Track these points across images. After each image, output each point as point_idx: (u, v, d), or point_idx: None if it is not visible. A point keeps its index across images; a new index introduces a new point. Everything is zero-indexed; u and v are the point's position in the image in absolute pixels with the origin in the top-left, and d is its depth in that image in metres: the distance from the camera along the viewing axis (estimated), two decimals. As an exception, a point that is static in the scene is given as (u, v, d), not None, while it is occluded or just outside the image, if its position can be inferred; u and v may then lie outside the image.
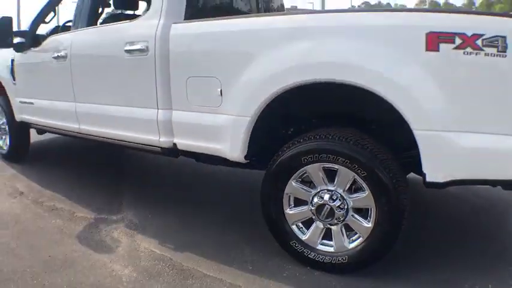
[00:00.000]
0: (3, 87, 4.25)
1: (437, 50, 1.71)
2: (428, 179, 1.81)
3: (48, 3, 3.84)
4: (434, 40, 1.71)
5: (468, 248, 2.41)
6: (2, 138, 4.57)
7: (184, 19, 2.51)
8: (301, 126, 2.22)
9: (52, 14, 3.97)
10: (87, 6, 3.16)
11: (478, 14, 1.93)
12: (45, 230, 2.76)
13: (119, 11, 3.48)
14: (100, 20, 3.42)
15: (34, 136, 4.51)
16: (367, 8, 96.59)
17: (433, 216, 2.94)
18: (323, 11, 2.15)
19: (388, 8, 1.93)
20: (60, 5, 4.21)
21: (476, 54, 1.68)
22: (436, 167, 1.80)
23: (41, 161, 4.47)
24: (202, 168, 3.29)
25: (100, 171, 4.25)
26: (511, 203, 3.10)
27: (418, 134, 1.77)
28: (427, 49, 1.73)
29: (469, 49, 1.69)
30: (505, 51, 1.66)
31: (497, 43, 1.67)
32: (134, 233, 2.66)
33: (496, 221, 2.88)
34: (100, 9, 3.44)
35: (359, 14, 2.06)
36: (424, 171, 1.81)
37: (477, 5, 70.25)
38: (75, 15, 3.27)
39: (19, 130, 4.26)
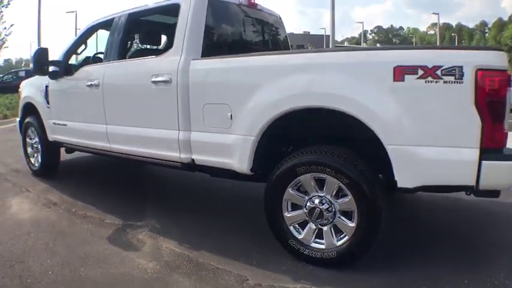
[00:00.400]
0: (37, 110, 4.81)
1: (403, 81, 2.18)
2: (399, 185, 2.25)
3: (80, 37, 4.44)
4: (401, 72, 2.18)
5: (449, 249, 2.81)
6: (34, 156, 5.12)
7: (202, 56, 3.04)
8: (298, 145, 2.67)
9: (83, 46, 4.57)
10: (117, 42, 3.72)
11: (438, 49, 2.40)
12: (78, 233, 3.23)
13: (144, 46, 4.05)
14: (129, 53, 3.98)
15: (62, 155, 5.05)
16: (380, 31, 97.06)
17: (420, 222, 3.36)
18: (311, 50, 2.61)
19: (363, 47, 2.40)
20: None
21: (436, 82, 2.12)
22: (405, 175, 2.24)
23: (70, 176, 4.99)
24: (214, 182, 3.77)
25: (123, 185, 4.76)
26: (491, 212, 3.50)
27: (388, 148, 2.23)
28: (394, 80, 2.20)
29: (430, 78, 2.13)
30: (461, 79, 2.10)
31: (454, 72, 2.10)
32: (157, 235, 3.12)
33: (478, 227, 3.26)
34: (129, 45, 4.01)
35: (341, 53, 2.56)
36: (396, 179, 2.25)
37: (490, 25, 70.98)
38: (107, 49, 3.84)
39: (50, 149, 4.79)
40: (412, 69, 2.16)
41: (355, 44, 74.23)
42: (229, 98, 2.75)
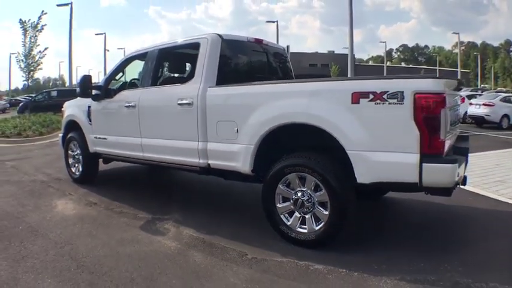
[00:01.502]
0: (80, 127, 5.83)
1: (358, 103, 2.99)
2: (358, 181, 3.03)
3: (118, 66, 5.48)
4: (357, 97, 2.99)
5: (417, 242, 3.57)
6: (75, 166, 6.12)
7: (216, 83, 3.97)
8: (288, 152, 3.46)
9: (121, 73, 5.61)
10: (151, 71, 4.72)
11: (386, 79, 3.15)
12: (116, 225, 4.12)
13: (172, 75, 5.05)
14: (160, 80, 4.98)
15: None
16: (406, 50, 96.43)
17: (397, 221, 4.13)
18: (293, 80, 3.45)
19: (329, 78, 3.26)
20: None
21: (383, 104, 2.90)
22: (361, 173, 3.02)
23: (106, 183, 5.95)
24: (225, 185, 4.65)
25: (151, 188, 5.72)
26: (462, 216, 4.24)
27: (349, 153, 3.04)
28: (352, 102, 3.02)
29: (378, 101, 2.91)
30: (402, 101, 2.85)
31: (397, 96, 2.85)
32: (179, 225, 3.99)
33: (445, 227, 3.97)
34: (160, 73, 5.01)
35: (315, 83, 3.37)
36: (355, 176, 3.05)
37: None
38: (142, 77, 4.84)
39: (91, 159, 5.78)
40: (365, 94, 2.96)
41: (380, 62, 74.43)
42: (235, 116, 3.65)
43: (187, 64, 5.06)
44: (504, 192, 5.01)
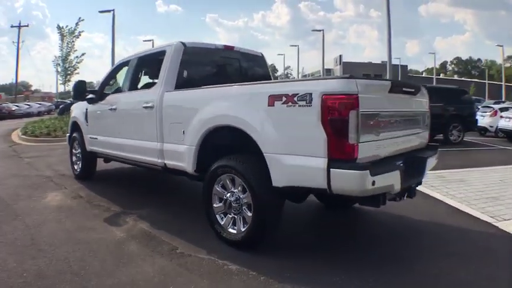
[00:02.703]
0: (80, 128, 6.42)
1: (274, 106, 3.07)
2: (273, 184, 3.11)
3: (110, 72, 6.01)
4: (272, 99, 3.07)
5: (345, 251, 3.67)
6: (77, 163, 6.73)
7: (176, 88, 4.30)
8: (226, 153, 3.62)
9: (114, 79, 6.13)
10: (130, 77, 5.19)
11: (297, 81, 3.24)
12: (86, 215, 4.57)
13: (149, 80, 5.47)
14: (138, 85, 5.41)
15: (101, 165, 6.58)
16: (459, 62, 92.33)
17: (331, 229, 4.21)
18: (226, 84, 3.69)
19: (248, 83, 3.10)
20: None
21: (293, 106, 2.90)
22: (276, 177, 3.11)
23: (102, 180, 6.50)
24: (187, 185, 4.93)
25: (138, 187, 6.16)
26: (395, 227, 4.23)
27: (265, 155, 3.16)
28: (268, 105, 3.07)
29: (290, 103, 2.91)
30: (311, 103, 2.81)
31: (306, 98, 2.82)
32: (138, 219, 4.34)
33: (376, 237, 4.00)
34: (137, 79, 5.43)
35: (239, 86, 3.58)
36: (272, 179, 3.16)
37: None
38: (123, 82, 5.31)
39: (88, 158, 6.33)
40: (279, 97, 3.00)
41: (437, 74, 71.83)
42: (182, 118, 3.96)
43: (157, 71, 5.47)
44: (490, 210, 4.80)
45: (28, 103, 39.86)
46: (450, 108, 12.04)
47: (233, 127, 3.40)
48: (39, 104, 41.13)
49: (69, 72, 25.46)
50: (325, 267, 3.16)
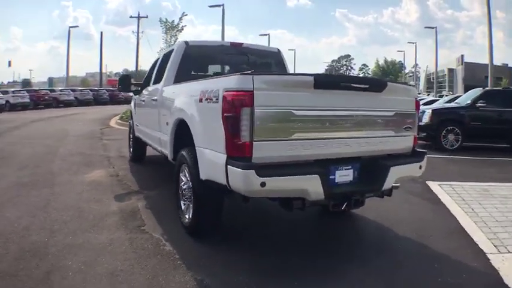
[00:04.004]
0: (132, 115, 7.41)
1: (201, 102, 3.29)
2: (200, 177, 3.28)
3: (151, 67, 6.80)
4: (201, 95, 3.28)
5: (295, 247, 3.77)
6: (131, 147, 7.74)
7: (174, 83, 4.81)
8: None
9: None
10: (157, 72, 5.87)
11: (219, 78, 3.36)
12: (105, 190, 5.38)
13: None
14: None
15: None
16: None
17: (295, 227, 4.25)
18: (190, 81, 4.02)
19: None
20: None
21: (209, 102, 3.11)
22: (201, 170, 3.31)
23: (147, 164, 7.37)
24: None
25: (167, 173, 6.82)
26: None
27: (196, 148, 3.41)
28: (199, 101, 3.31)
29: (208, 99, 3.11)
30: (217, 99, 2.95)
31: (216, 94, 2.98)
32: (142, 200, 4.98)
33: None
34: (162, 74, 6.08)
35: (187, 84, 3.93)
36: (199, 172, 3.34)
37: None
38: (152, 77, 6.01)
39: (136, 142, 7.27)
40: (203, 93, 3.22)
41: None
42: (166, 111, 4.47)
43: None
44: (503, 236, 3.95)
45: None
46: None
47: (183, 120, 3.76)
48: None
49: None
50: (256, 269, 3.14)
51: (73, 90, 31.83)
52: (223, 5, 27.61)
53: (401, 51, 75.65)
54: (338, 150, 3.16)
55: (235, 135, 2.78)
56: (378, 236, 4.08)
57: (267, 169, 2.75)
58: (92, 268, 3.03)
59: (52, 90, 33.42)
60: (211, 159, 3.08)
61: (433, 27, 33.89)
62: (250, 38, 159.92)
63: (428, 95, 23.71)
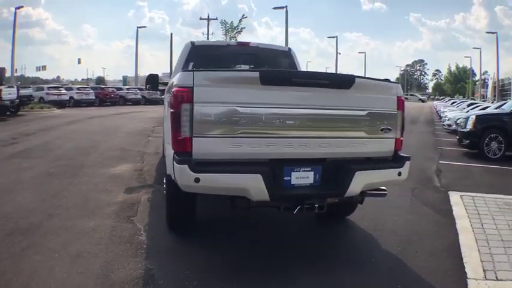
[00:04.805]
0: (165, 113, 7.84)
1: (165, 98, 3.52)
2: (167, 172, 3.32)
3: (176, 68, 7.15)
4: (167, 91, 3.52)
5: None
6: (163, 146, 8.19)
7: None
8: None
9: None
10: (174, 72, 6.19)
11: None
12: (122, 183, 5.79)
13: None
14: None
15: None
16: None
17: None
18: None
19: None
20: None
21: (169, 95, 3.27)
22: (167, 165, 3.41)
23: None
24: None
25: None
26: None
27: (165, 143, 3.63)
28: (170, 96, 3.25)
29: (169, 93, 3.30)
30: (170, 96, 3.10)
31: (170, 91, 3.13)
32: (149, 193, 5.32)
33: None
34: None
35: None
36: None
37: None
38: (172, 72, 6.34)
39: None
40: (168, 89, 3.42)
41: None
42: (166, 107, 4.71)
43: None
44: (500, 259, 3.53)
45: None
46: None
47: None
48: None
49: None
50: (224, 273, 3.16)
51: (140, 89, 33.74)
52: (286, 6, 27.92)
53: (468, 57, 71.08)
54: (293, 151, 3.04)
55: (177, 131, 2.84)
56: (357, 247, 3.91)
57: (203, 165, 2.80)
58: (64, 248, 3.39)
59: (119, 89, 35.56)
60: (169, 153, 3.16)
61: (493, 33, 31.08)
62: (327, 41, 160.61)
63: (493, 102, 21.96)
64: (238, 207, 3.09)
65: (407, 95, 79.65)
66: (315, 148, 3.12)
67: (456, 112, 15.34)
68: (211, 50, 5.38)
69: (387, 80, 3.96)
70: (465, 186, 6.17)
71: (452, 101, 33.71)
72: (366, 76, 3.39)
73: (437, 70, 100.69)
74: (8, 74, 27.28)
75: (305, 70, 3.89)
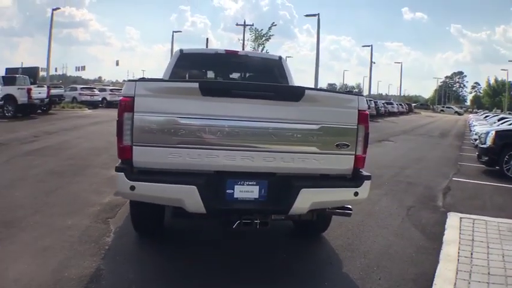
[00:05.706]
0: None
1: None
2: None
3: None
4: None
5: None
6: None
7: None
8: None
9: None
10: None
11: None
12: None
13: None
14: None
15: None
16: None
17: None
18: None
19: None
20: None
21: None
22: None
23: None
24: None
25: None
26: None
27: None
28: None
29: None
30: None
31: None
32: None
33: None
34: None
35: None
36: None
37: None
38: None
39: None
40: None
41: None
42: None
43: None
44: None
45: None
46: None
47: None
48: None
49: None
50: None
51: (176, 92, 34.78)
52: (318, 14, 28.23)
53: (505, 69, 68.53)
54: (235, 163, 3.05)
55: (120, 139, 2.99)
56: (318, 267, 3.77)
57: (140, 174, 2.94)
58: (35, 242, 3.78)
59: (154, 91, 36.81)
60: None
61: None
62: (367, 50, 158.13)
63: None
64: (179, 216, 3.26)
65: (443, 107, 78.11)
66: (259, 162, 3.10)
67: (485, 126, 14.75)
68: (199, 58, 5.65)
69: (349, 92, 3.91)
70: (470, 207, 5.92)
71: (485, 114, 32.73)
72: (319, 88, 3.51)
73: (476, 83, 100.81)
74: (43, 72, 28.75)
75: (259, 83, 3.80)
